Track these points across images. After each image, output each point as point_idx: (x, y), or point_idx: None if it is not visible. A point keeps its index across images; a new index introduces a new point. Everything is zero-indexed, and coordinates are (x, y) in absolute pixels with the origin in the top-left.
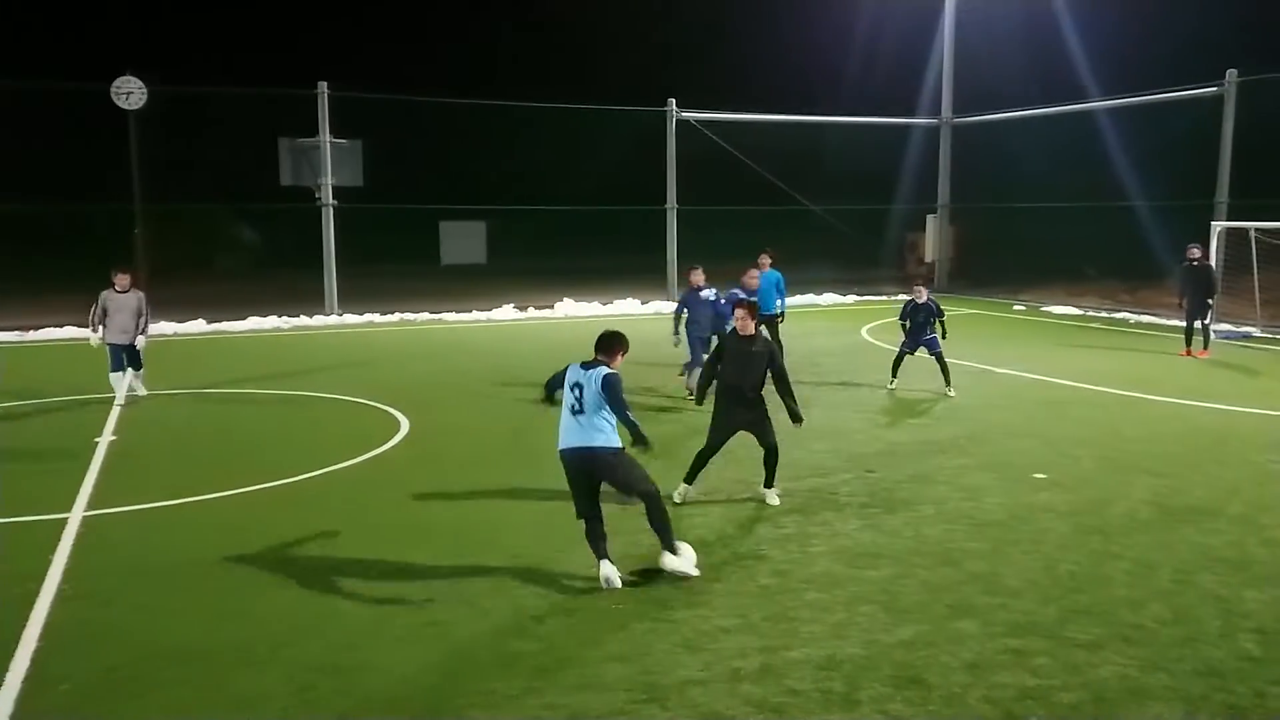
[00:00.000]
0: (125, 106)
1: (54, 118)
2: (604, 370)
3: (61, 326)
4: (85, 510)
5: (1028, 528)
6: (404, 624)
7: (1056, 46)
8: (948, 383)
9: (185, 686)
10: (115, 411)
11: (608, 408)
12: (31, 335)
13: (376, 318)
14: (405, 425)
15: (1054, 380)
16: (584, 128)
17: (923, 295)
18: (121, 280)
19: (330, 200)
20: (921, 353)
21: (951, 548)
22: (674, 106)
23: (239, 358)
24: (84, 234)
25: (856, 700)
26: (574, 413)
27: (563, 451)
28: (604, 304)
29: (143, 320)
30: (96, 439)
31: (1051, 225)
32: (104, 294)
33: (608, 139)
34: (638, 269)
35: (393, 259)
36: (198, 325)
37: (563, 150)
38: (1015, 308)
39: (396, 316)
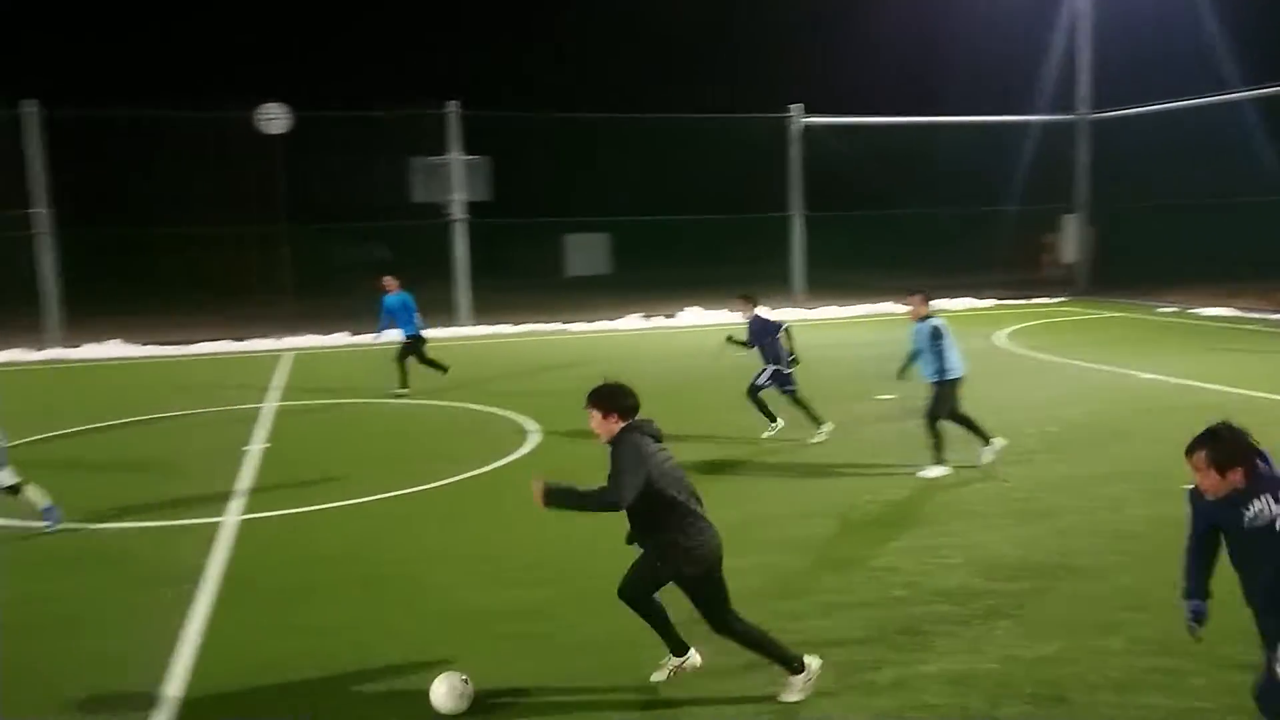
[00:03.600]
0: (269, 131)
1: (205, 144)
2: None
3: (217, 340)
4: (239, 514)
5: (1174, 541)
6: (507, 629)
7: (1187, 34)
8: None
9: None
10: (268, 418)
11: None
12: (190, 349)
13: (506, 329)
14: (534, 434)
15: (1203, 385)
16: (706, 137)
17: (752, 310)
18: None
19: (460, 215)
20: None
21: (1092, 560)
22: (796, 112)
23: (377, 368)
24: (238, 253)
25: (996, 717)
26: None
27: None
28: (731, 311)
29: None
30: (245, 447)
31: (1197, 223)
32: None
33: (729, 147)
34: (763, 277)
35: (519, 272)
36: (342, 337)
37: (684, 159)
38: (1160, 310)
39: (525, 327)
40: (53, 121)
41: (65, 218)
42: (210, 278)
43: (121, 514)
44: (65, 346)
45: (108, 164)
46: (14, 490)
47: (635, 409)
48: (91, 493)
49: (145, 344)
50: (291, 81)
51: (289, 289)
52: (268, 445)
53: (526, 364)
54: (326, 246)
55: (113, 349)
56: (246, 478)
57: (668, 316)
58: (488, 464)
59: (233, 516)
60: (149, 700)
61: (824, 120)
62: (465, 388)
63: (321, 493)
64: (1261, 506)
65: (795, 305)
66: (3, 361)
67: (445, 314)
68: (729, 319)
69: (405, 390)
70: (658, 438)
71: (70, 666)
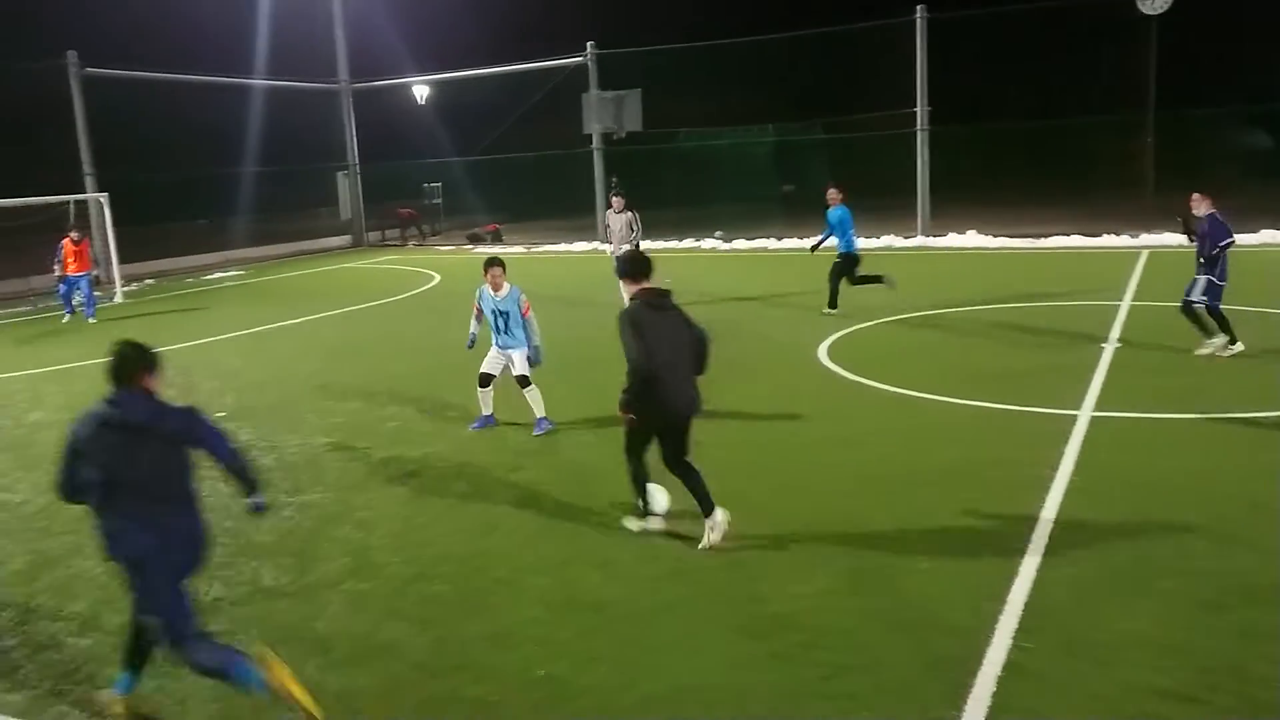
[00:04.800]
0: (1149, 11)
1: (1056, 36)
2: None
3: (1068, 235)
4: (1093, 410)
5: None
6: None
7: None
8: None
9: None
10: (1121, 317)
11: None
12: (1041, 243)
13: None
14: None
15: None
16: None
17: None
18: (616, 202)
19: None
20: None
21: None
22: None
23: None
24: (1095, 145)
25: None
26: None
27: None
28: None
29: (634, 234)
30: (1102, 344)
31: None
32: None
33: None
34: None
35: None
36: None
37: None
38: None
39: None
40: (932, 26)
41: (938, 116)
42: (1064, 171)
43: (980, 394)
44: (929, 235)
45: (976, 64)
46: (525, 382)
47: (642, 276)
48: (950, 371)
49: (997, 235)
50: None
51: (1148, 182)
52: (1119, 345)
53: None
54: (1198, 135)
55: (970, 239)
56: (1100, 374)
57: None
58: None
59: (1086, 412)
60: (1006, 569)
61: None
62: None
63: (1175, 400)
64: None
65: None
66: (879, 246)
67: None
68: None
69: (833, 311)
70: (660, 306)
71: (940, 520)
